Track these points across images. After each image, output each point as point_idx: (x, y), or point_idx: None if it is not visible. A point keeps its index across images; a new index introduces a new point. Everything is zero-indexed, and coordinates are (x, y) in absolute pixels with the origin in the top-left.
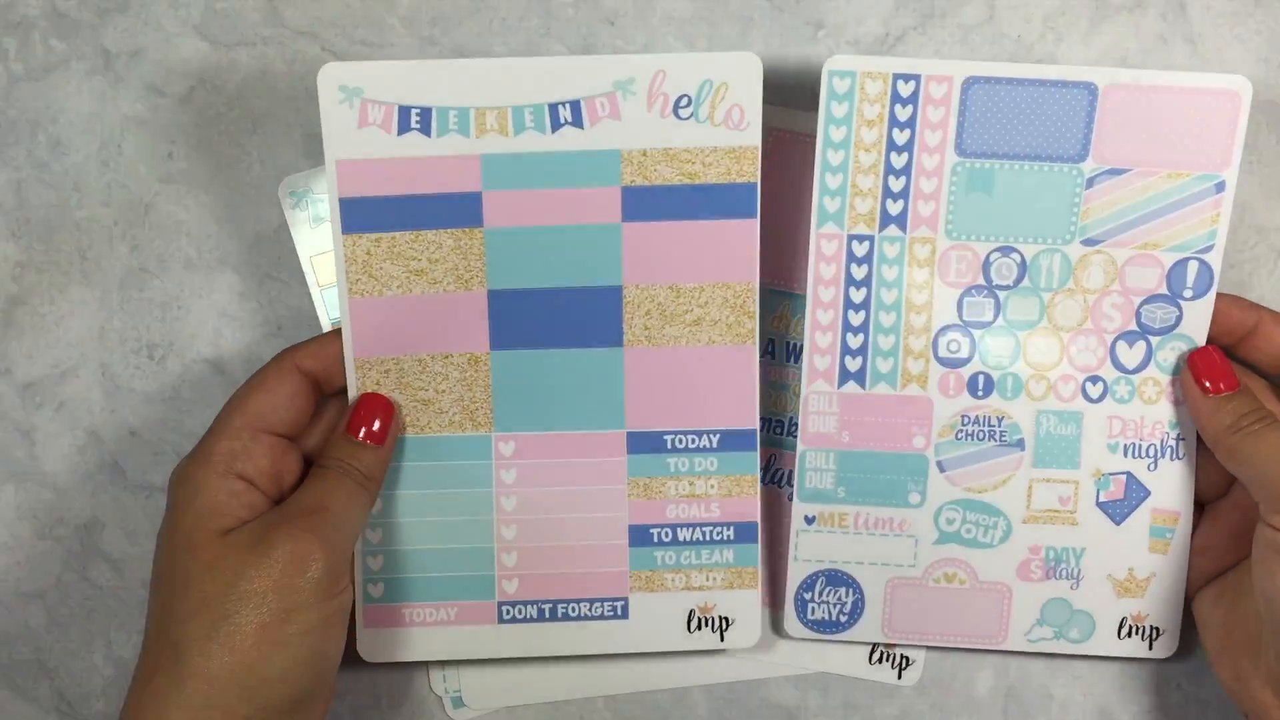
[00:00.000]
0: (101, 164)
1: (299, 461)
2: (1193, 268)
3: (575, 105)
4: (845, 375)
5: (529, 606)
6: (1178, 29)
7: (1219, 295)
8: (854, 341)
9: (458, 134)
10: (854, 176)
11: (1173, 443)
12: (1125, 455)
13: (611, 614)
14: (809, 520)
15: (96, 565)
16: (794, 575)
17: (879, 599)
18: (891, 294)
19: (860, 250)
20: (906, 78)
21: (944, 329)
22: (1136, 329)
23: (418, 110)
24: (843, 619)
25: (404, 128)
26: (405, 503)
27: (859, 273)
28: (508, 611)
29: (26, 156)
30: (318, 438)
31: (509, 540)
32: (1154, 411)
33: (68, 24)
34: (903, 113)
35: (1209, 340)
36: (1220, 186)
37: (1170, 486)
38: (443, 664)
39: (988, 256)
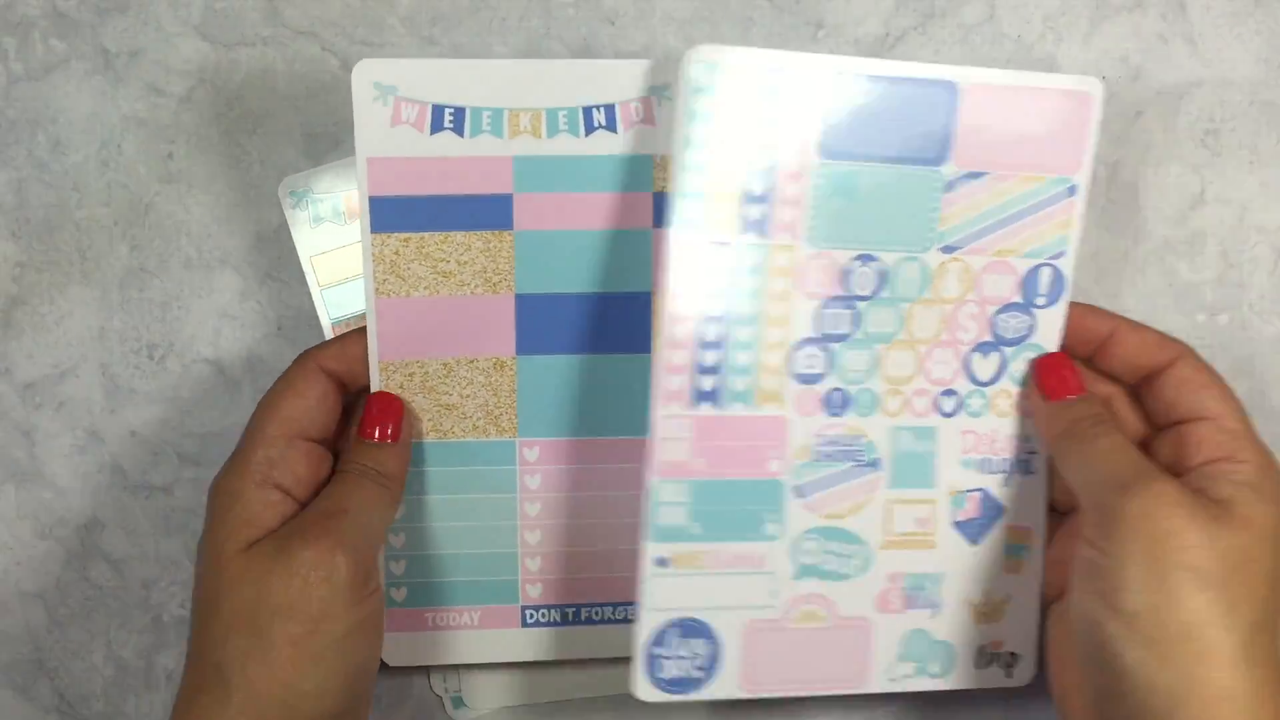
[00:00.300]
0: (101, 164)
1: (332, 466)
2: (1046, 274)
3: (609, 109)
4: (699, 395)
5: (552, 611)
6: (1178, 29)
7: (1073, 304)
8: (709, 358)
9: (490, 135)
10: (714, 177)
11: (1025, 456)
12: (979, 471)
13: (634, 618)
14: (662, 563)
15: (96, 565)
16: (644, 628)
17: (737, 648)
18: (747, 305)
19: (718, 257)
20: (774, 71)
21: (801, 343)
22: (991, 339)
23: (451, 110)
24: (698, 675)
25: (437, 127)
26: (429, 507)
27: (715, 282)
28: (531, 616)
29: (26, 156)
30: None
31: (533, 545)
32: (1006, 425)
33: (68, 24)
34: (769, 110)
35: (1064, 349)
36: (1073, 190)
37: (1022, 502)
38: (443, 664)
39: (848, 265)
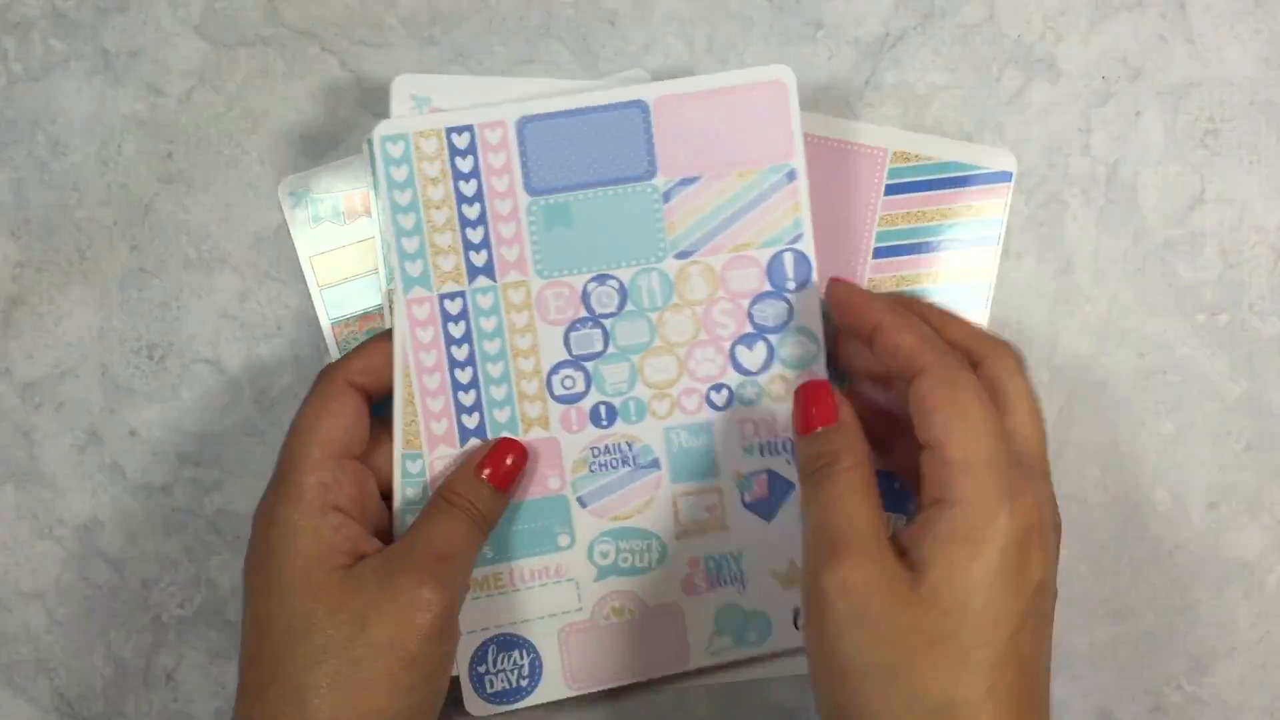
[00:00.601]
0: (101, 164)
1: (372, 480)
2: (789, 259)
3: None
4: (465, 433)
5: None
6: (1178, 29)
7: (838, 283)
8: (466, 399)
9: None
10: (430, 236)
11: None
12: (762, 454)
13: None
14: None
15: (96, 565)
16: (463, 649)
17: (555, 653)
18: (494, 344)
19: (454, 308)
20: (459, 130)
21: (555, 367)
22: (752, 330)
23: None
24: (523, 683)
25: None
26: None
27: (457, 330)
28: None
29: (26, 156)
30: (379, 452)
31: None
32: (784, 408)
33: (68, 24)
34: (464, 164)
35: (840, 329)
36: (792, 175)
37: None
38: None
39: (585, 288)
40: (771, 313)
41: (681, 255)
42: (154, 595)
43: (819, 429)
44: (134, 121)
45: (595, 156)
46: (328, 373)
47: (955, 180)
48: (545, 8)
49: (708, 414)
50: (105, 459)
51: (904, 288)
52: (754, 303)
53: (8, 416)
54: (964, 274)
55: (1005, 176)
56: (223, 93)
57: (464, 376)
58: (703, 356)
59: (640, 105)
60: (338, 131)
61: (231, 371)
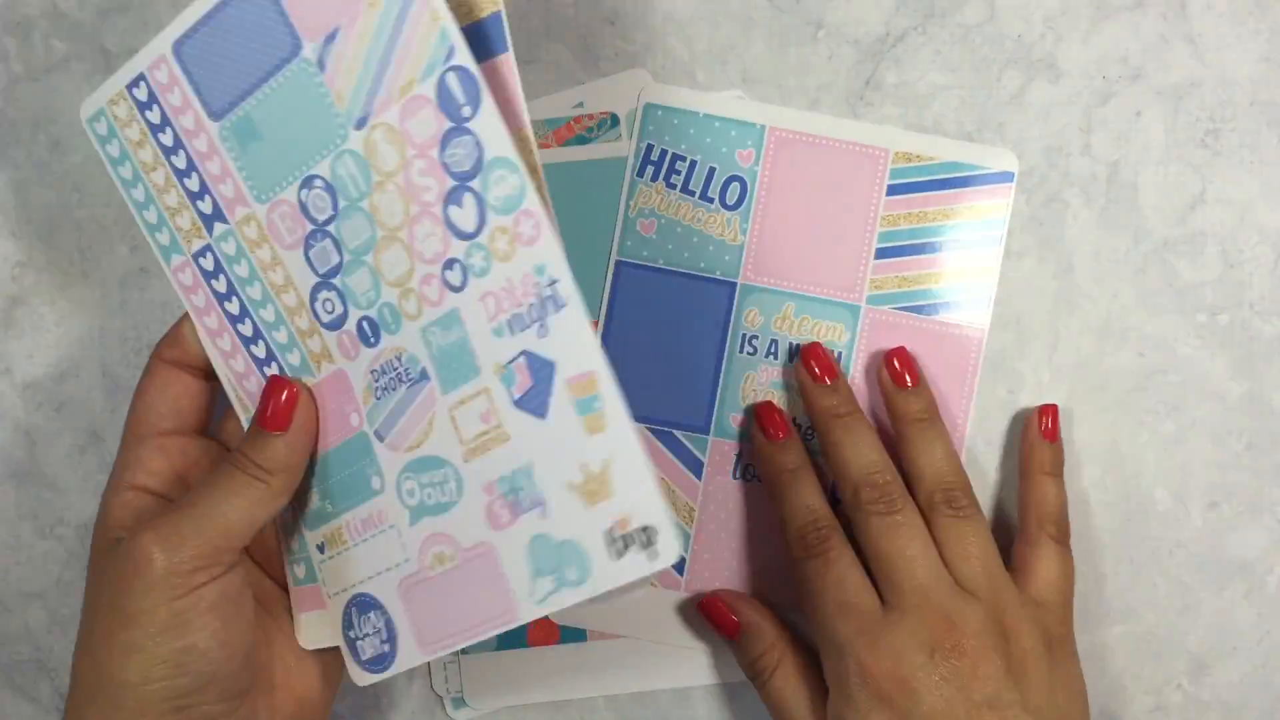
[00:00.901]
0: (101, 164)
1: (209, 452)
2: (453, 81)
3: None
4: None
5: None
6: (1178, 29)
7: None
8: (259, 350)
9: None
10: (161, 200)
11: (549, 291)
12: (511, 333)
13: None
14: (320, 549)
15: None
16: (336, 615)
17: (400, 612)
18: (255, 288)
19: (208, 264)
20: (135, 83)
21: (312, 293)
22: (453, 184)
23: None
24: (386, 649)
25: None
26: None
27: (220, 285)
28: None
29: (26, 156)
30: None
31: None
32: (515, 267)
33: (68, 24)
34: (154, 115)
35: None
36: None
37: (569, 345)
38: (444, 663)
39: (299, 198)
40: (460, 153)
41: (360, 124)
42: None
43: (738, 638)
44: None
45: (247, 52)
46: (152, 356)
47: (957, 180)
48: (545, 8)
49: (449, 298)
50: (105, 459)
51: (905, 289)
52: (442, 149)
53: (8, 416)
54: (966, 274)
55: (1007, 177)
56: None
57: (246, 330)
58: (423, 232)
59: None
60: None
61: None
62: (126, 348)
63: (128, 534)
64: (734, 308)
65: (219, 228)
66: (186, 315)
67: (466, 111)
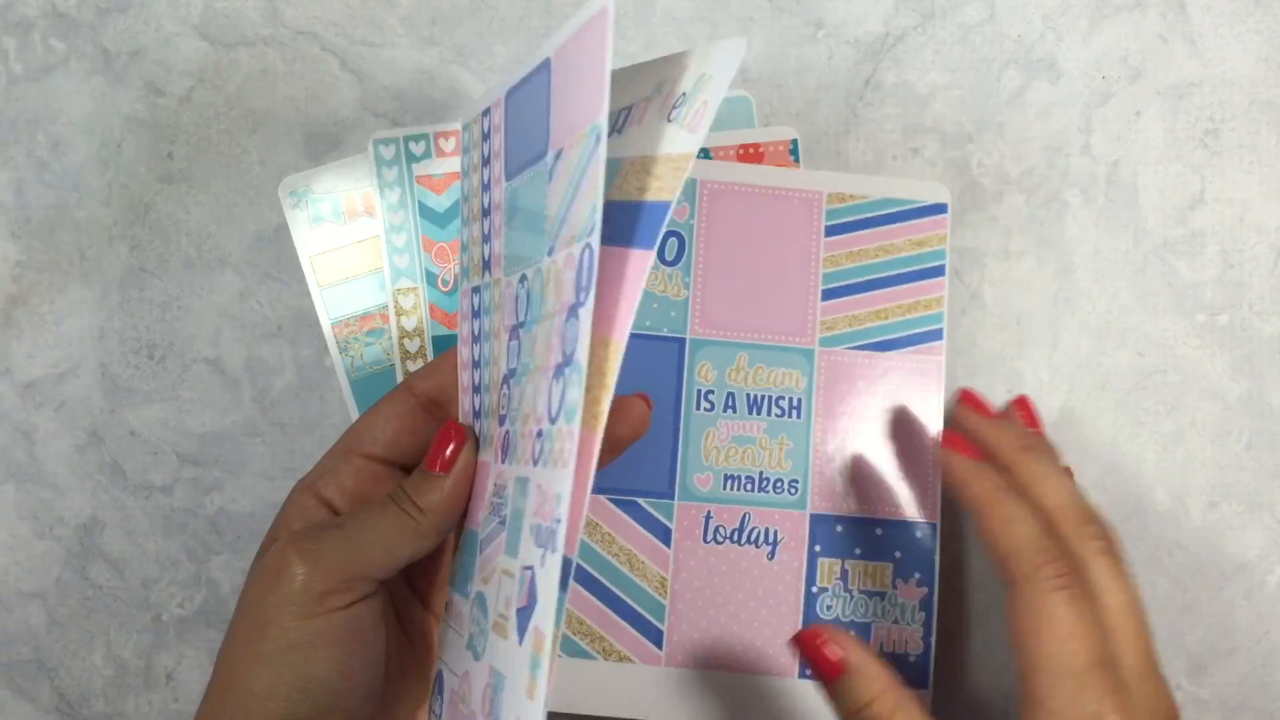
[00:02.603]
0: (101, 164)
1: (395, 481)
2: (586, 255)
3: (625, 113)
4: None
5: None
6: (1178, 29)
7: (947, 447)
8: (473, 402)
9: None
10: (469, 226)
11: (553, 527)
12: (535, 543)
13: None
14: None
15: (96, 565)
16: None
17: (445, 712)
18: (488, 347)
19: (475, 302)
20: (487, 111)
21: (503, 381)
22: (559, 358)
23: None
24: None
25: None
26: None
27: (475, 327)
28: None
29: (26, 156)
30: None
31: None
32: (550, 479)
33: (68, 24)
34: (486, 149)
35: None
36: (599, 138)
37: (544, 595)
38: None
39: (516, 289)
40: (570, 335)
41: (550, 251)
42: (154, 595)
43: (838, 679)
44: (134, 121)
45: (531, 129)
46: (404, 379)
47: (892, 216)
48: (545, 8)
49: (530, 469)
50: (105, 459)
51: (857, 326)
52: (566, 317)
53: (8, 416)
54: (915, 306)
55: (940, 209)
56: (223, 93)
57: (473, 378)
58: (539, 388)
59: (545, 66)
60: (338, 131)
61: (231, 371)
62: (126, 348)
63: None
64: (685, 364)
65: (488, 276)
66: (449, 351)
67: (582, 296)
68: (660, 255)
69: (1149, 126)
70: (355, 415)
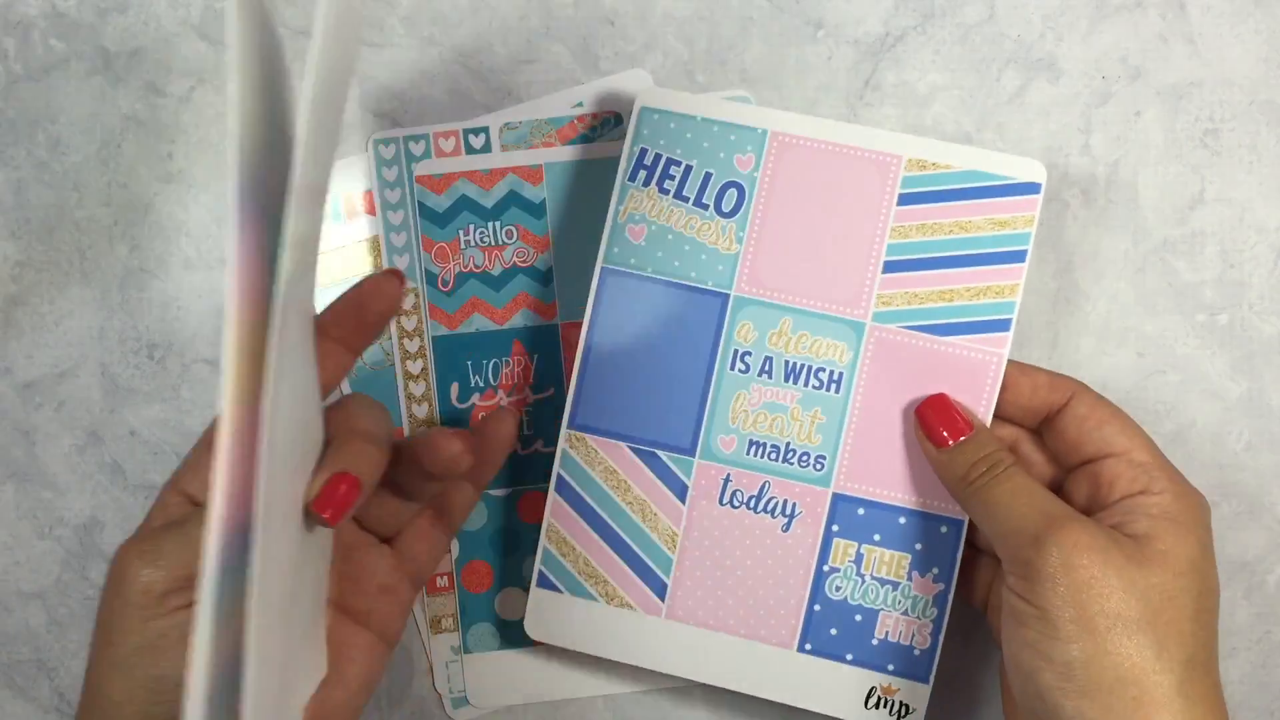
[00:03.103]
0: (101, 164)
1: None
2: None
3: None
4: None
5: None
6: (1178, 29)
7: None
8: None
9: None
10: None
11: None
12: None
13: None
14: None
15: (96, 565)
16: None
17: None
18: None
19: None
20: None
21: None
22: None
23: None
24: None
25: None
26: None
27: None
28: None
29: (26, 156)
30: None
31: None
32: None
33: (68, 24)
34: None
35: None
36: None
37: None
38: (445, 662)
39: None
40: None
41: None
42: None
43: (961, 439)
44: (134, 121)
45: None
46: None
47: (977, 191)
48: (545, 8)
49: None
50: (105, 459)
51: (916, 305)
52: None
53: (8, 416)
54: (985, 293)
55: (1034, 188)
56: (223, 93)
57: None
58: None
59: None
60: None
61: None
62: (126, 348)
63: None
64: (726, 321)
65: None
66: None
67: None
68: (717, 207)
69: (1149, 126)
70: None
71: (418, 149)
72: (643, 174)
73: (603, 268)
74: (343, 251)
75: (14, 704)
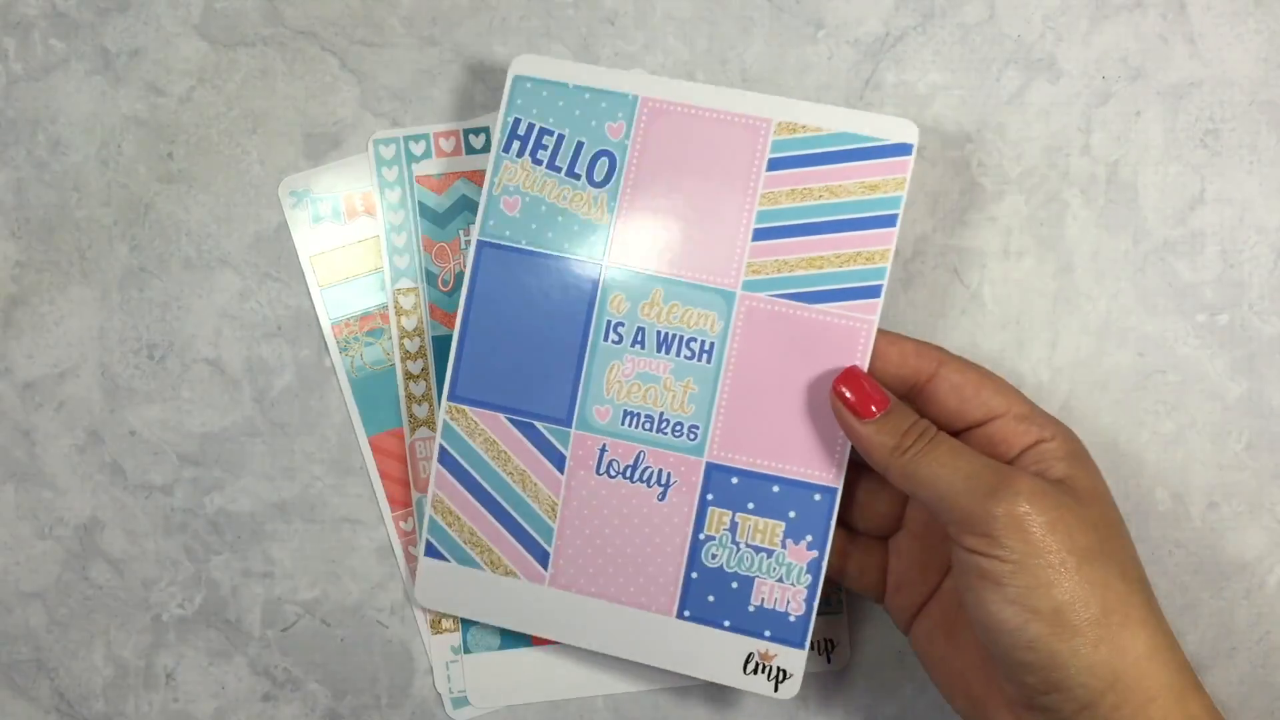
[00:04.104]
0: (101, 164)
1: None
2: None
3: None
4: None
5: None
6: (1178, 29)
7: (882, 335)
8: None
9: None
10: None
11: None
12: None
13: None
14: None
15: (96, 565)
16: None
17: None
18: None
19: None
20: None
21: None
22: None
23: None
24: None
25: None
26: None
27: None
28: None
29: (26, 156)
30: None
31: None
32: None
33: (68, 24)
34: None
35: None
36: None
37: None
38: (446, 663)
39: None
40: None
41: None
42: (154, 595)
43: (882, 410)
44: (134, 121)
45: None
46: None
47: (848, 154)
48: (545, 8)
49: None
50: (105, 459)
51: (787, 273)
52: None
53: (8, 416)
54: (855, 258)
55: (905, 149)
56: (223, 93)
57: None
58: None
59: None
60: (338, 131)
61: (231, 371)
62: (126, 348)
63: None
64: (599, 292)
65: None
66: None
67: None
68: (589, 177)
69: (1149, 126)
70: (355, 415)
71: (418, 149)
72: (516, 144)
73: (479, 241)
74: (343, 251)
75: (14, 704)
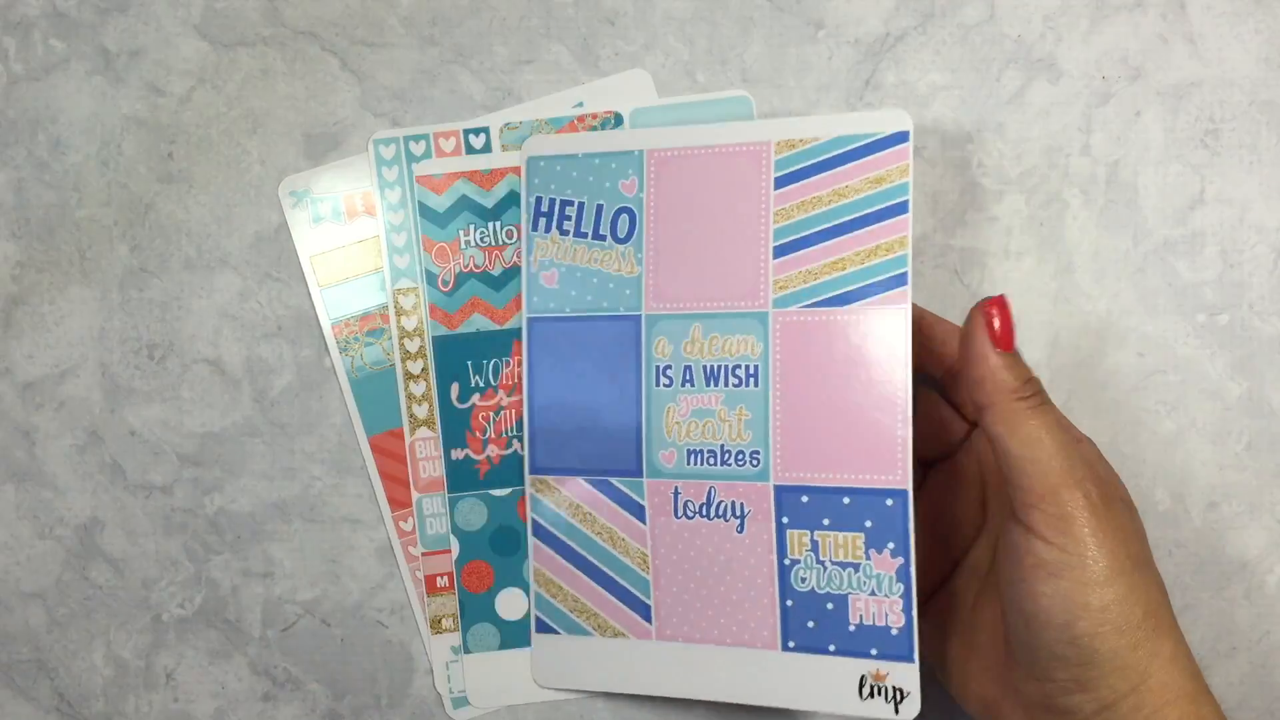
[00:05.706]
0: (101, 164)
1: None
2: None
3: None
4: None
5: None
6: (1178, 29)
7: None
8: None
9: None
10: None
11: None
12: None
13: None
14: None
15: (96, 565)
16: None
17: None
18: None
19: None
20: None
21: None
22: None
23: None
24: None
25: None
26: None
27: None
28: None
29: (26, 156)
30: None
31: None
32: None
33: (68, 24)
34: None
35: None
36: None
37: None
38: (446, 663)
39: None
40: None
41: None
42: (154, 595)
43: (1013, 352)
44: (134, 121)
45: None
46: None
47: (846, 155)
48: (545, 8)
49: None
50: (105, 459)
51: (812, 282)
52: None
53: (8, 416)
54: (875, 252)
55: (901, 137)
56: (223, 93)
57: None
58: None
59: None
60: (338, 131)
61: (231, 371)
62: (126, 348)
63: None
64: (642, 341)
65: None
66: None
67: None
68: (613, 235)
69: (1149, 126)
70: (355, 415)
71: (418, 149)
72: (543, 221)
73: (528, 319)
74: (343, 251)
75: (14, 704)
